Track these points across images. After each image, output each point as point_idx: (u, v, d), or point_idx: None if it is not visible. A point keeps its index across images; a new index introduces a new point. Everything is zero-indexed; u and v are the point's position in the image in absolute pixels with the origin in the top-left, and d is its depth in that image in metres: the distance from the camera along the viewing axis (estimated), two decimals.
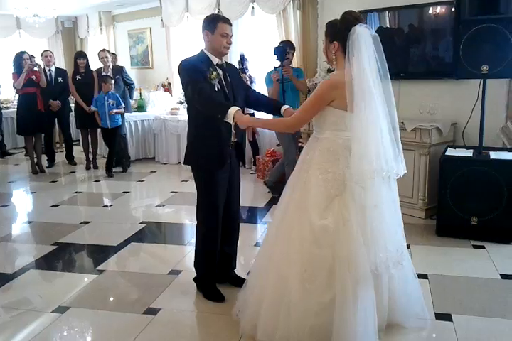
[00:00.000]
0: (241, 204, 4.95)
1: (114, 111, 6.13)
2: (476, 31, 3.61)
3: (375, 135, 2.10)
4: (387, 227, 2.18)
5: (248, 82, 5.89)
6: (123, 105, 6.30)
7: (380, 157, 2.09)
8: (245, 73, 5.93)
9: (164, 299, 2.90)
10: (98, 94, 6.34)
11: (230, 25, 2.74)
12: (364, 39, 2.11)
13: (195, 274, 2.97)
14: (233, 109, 2.42)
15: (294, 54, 5.14)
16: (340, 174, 2.19)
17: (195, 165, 2.82)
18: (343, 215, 2.15)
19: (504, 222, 3.58)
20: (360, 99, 2.09)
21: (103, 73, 6.60)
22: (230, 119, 2.42)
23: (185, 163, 2.88)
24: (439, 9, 4.37)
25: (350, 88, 2.09)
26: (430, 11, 4.43)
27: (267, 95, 3.85)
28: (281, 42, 5.07)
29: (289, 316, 2.20)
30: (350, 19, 2.18)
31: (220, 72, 2.75)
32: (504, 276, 3.12)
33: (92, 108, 6.24)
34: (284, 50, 4.66)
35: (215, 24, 2.68)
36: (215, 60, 2.75)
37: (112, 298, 3.00)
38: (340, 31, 2.19)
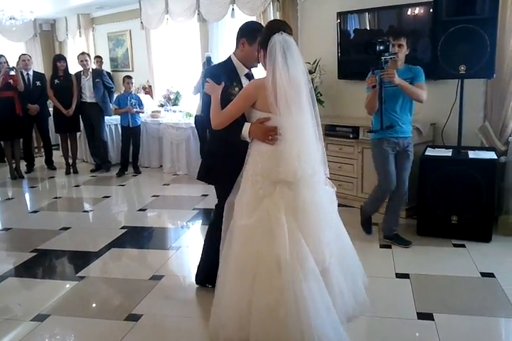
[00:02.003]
0: None
1: (134, 110, 6.32)
2: (453, 32, 3.65)
3: (300, 138, 2.20)
4: (322, 225, 2.25)
5: None
6: (144, 106, 6.56)
7: (305, 159, 2.19)
8: None
9: (146, 305, 2.87)
10: (77, 98, 6.40)
11: None
12: (281, 47, 2.18)
13: (177, 278, 2.94)
14: (246, 129, 2.33)
15: None
16: (267, 175, 2.23)
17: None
18: (272, 215, 2.18)
19: (483, 221, 3.62)
20: (283, 103, 2.18)
21: (82, 77, 6.54)
22: (246, 139, 2.37)
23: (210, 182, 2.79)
24: (417, 10, 4.41)
25: (269, 91, 2.18)
26: (409, 12, 4.46)
27: None
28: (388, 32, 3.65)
29: (229, 314, 2.22)
30: (271, 28, 2.29)
31: (246, 82, 2.62)
32: (484, 274, 3.16)
33: (114, 106, 6.38)
34: (382, 45, 3.35)
35: (257, 37, 2.50)
36: (244, 71, 2.63)
37: (92, 305, 2.97)
38: (263, 40, 2.29)
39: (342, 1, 4.93)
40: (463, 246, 3.60)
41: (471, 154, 3.76)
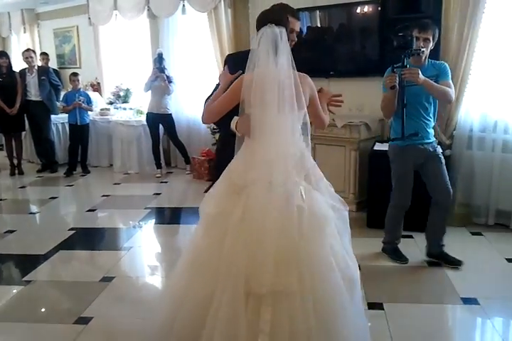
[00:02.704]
0: (177, 206, 4.97)
1: (83, 105, 6.17)
2: (399, 29, 3.73)
3: (268, 139, 2.01)
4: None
5: (167, 82, 5.81)
6: (93, 104, 6.42)
7: (267, 163, 1.97)
8: (163, 72, 5.85)
9: (96, 307, 2.79)
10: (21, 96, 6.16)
11: (298, 20, 2.42)
12: (265, 42, 2.01)
13: (130, 279, 2.88)
14: (233, 122, 2.14)
15: None
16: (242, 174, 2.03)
17: None
18: (232, 210, 1.97)
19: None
20: (257, 101, 2.00)
21: (27, 74, 6.31)
22: (237, 132, 2.17)
23: None
24: (366, 8, 4.50)
25: (244, 88, 2.03)
26: (358, 10, 4.55)
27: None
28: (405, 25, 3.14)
29: (174, 309, 2.04)
30: (260, 20, 2.13)
31: None
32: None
33: (62, 103, 6.24)
34: (404, 39, 2.91)
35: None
36: None
37: (39, 310, 2.85)
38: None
39: None
40: (411, 236, 3.70)
41: None
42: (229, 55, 2.47)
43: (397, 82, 2.89)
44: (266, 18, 2.11)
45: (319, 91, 2.40)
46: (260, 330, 1.83)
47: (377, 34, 4.41)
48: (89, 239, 4.05)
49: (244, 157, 2.06)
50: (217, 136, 5.63)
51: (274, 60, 2.00)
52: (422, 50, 2.94)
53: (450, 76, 3.07)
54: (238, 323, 1.84)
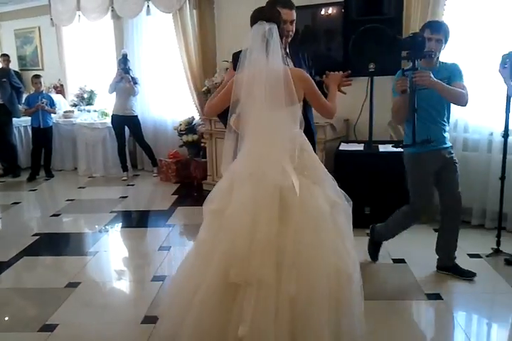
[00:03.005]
0: (144, 209, 4.90)
1: (46, 107, 6.07)
2: (363, 31, 3.79)
3: (254, 135, 2.06)
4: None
5: (132, 83, 5.75)
6: (56, 106, 6.32)
7: (248, 160, 2.06)
8: (128, 74, 5.78)
9: (62, 314, 2.74)
10: None
11: (291, 9, 2.43)
12: (255, 39, 2.04)
13: (96, 284, 2.83)
14: (232, 118, 2.17)
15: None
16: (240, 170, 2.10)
17: None
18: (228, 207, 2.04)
19: (393, 211, 3.81)
20: (245, 99, 2.06)
21: None
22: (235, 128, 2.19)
23: None
24: (330, 10, 4.56)
25: (236, 85, 2.08)
26: (323, 12, 4.61)
27: None
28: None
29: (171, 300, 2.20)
30: (252, 18, 2.13)
31: None
32: (396, 260, 3.35)
33: (24, 106, 6.14)
34: (414, 41, 2.72)
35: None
36: None
37: (3, 318, 2.78)
38: None
39: None
40: None
41: (381, 148, 3.95)
42: (235, 53, 2.48)
43: (408, 85, 2.76)
44: (257, 16, 2.13)
45: (326, 76, 2.46)
46: (243, 320, 1.88)
47: (341, 35, 4.47)
48: (54, 244, 3.97)
49: (241, 153, 2.09)
50: (184, 137, 5.62)
51: (264, 57, 2.03)
52: (434, 51, 2.81)
53: (463, 77, 2.87)
54: (213, 315, 1.92)
